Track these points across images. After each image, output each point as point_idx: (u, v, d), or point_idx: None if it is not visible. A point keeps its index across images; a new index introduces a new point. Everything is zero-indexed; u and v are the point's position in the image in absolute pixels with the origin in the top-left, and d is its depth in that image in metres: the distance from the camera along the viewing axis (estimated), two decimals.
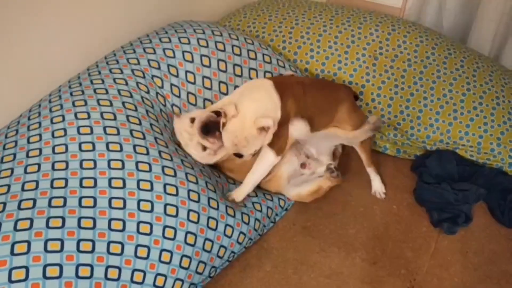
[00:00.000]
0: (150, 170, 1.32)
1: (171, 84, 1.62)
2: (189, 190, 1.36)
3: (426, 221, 1.69)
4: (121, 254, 1.20)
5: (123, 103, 1.44)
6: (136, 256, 1.22)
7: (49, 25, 1.53)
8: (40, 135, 1.31)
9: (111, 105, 1.40)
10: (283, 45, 2.07)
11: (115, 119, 1.37)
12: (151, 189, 1.29)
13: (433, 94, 1.94)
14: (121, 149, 1.31)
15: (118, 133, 1.33)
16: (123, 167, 1.29)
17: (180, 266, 1.30)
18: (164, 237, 1.27)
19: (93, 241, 1.18)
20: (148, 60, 1.60)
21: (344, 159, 1.88)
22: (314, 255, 1.54)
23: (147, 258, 1.24)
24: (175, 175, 1.36)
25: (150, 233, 1.25)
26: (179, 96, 1.64)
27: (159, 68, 1.61)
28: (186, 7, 2.14)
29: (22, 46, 1.48)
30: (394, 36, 2.06)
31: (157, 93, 1.57)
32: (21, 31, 1.45)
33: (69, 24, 1.60)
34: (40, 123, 1.34)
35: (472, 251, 1.59)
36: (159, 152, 1.38)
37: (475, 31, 2.30)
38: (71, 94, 1.42)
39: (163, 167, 1.35)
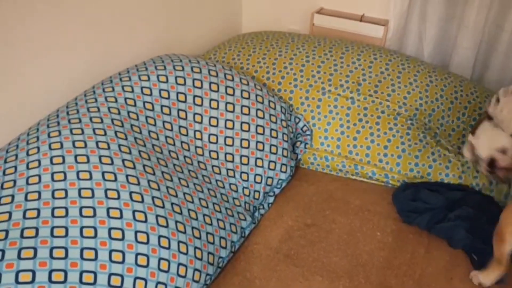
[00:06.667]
0: (118, 198, 1.33)
1: (146, 117, 1.64)
2: (157, 216, 1.37)
3: (411, 247, 1.68)
4: (94, 283, 1.20)
5: (93, 129, 1.46)
6: (109, 285, 1.22)
7: (27, 62, 1.56)
8: (15, 167, 1.33)
9: (83, 133, 1.43)
10: (267, 76, 2.11)
11: (85, 146, 1.39)
12: (121, 217, 1.30)
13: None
14: (91, 177, 1.33)
15: (88, 161, 1.36)
16: (92, 196, 1.30)
17: None
18: (137, 264, 1.27)
19: (65, 271, 1.18)
20: (125, 99, 1.63)
21: (329, 189, 1.89)
22: (297, 284, 1.52)
23: (120, 287, 1.24)
24: (142, 201, 1.37)
25: (123, 262, 1.25)
26: (155, 125, 1.65)
27: (135, 105, 1.63)
28: (171, 40, 2.19)
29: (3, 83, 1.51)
30: (376, 64, 2.10)
31: (131, 124, 1.59)
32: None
33: (49, 60, 1.64)
34: (16, 155, 1.37)
35: (457, 277, 1.57)
36: (126, 176, 1.40)
37: (455, 58, 2.34)
38: (47, 126, 1.45)
39: (130, 193, 1.36)
